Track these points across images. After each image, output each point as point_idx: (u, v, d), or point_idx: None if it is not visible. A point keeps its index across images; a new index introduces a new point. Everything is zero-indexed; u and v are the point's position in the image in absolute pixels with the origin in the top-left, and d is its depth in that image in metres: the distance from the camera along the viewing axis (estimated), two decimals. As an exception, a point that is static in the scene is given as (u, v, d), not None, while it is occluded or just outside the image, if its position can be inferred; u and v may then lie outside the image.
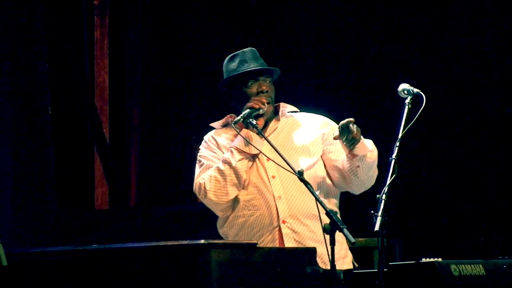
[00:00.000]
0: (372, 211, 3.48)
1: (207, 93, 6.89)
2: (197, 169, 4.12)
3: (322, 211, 3.61)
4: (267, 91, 4.09)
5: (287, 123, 4.17)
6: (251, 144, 4.00)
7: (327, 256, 3.55)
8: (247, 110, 4.02)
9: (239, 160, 4.00)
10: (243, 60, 4.12)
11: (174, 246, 3.41)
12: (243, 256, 3.39)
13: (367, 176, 4.01)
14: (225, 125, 4.23)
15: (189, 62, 7.08)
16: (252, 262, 3.41)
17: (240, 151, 4.01)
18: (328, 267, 3.56)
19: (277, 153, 3.86)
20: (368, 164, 3.97)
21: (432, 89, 6.04)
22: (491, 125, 6.19)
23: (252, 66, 4.10)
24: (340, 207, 4.11)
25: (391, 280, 3.67)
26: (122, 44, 7.15)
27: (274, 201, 4.00)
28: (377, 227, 3.45)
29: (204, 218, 5.60)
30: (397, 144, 3.64)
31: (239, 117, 4.02)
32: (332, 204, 4.05)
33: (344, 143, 3.89)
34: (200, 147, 4.21)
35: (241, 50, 4.16)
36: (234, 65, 4.14)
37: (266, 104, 4.05)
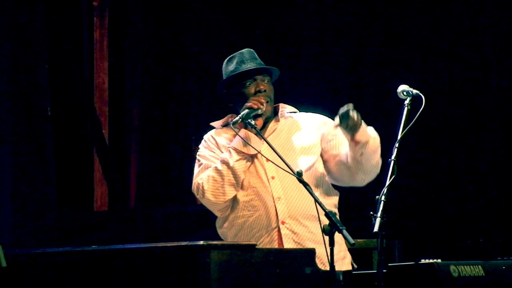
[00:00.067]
0: (371, 212, 3.48)
1: (207, 93, 6.89)
2: (196, 169, 4.13)
3: (321, 212, 3.61)
4: (265, 91, 4.09)
5: (286, 124, 4.17)
6: (250, 145, 4.00)
7: (326, 257, 3.54)
8: (246, 110, 4.02)
9: (237, 160, 4.00)
10: (240, 60, 4.12)
11: (174, 247, 3.42)
12: (243, 257, 3.40)
13: (371, 165, 3.98)
14: (225, 125, 4.23)
15: (189, 62, 7.08)
16: (251, 263, 3.41)
17: (238, 152, 4.01)
18: (327, 268, 3.56)
19: (276, 154, 3.86)
20: (371, 150, 3.94)
21: (432, 90, 6.05)
22: (491, 125, 6.18)
23: (249, 66, 4.10)
24: (339, 208, 4.11)
25: (390, 281, 3.66)
26: (122, 45, 7.15)
27: (274, 202, 4.00)
28: (376, 228, 3.45)
29: (203, 219, 5.60)
30: (397, 145, 3.64)
31: (237, 118, 4.02)
32: (331, 205, 4.05)
33: (345, 130, 3.88)
34: (200, 146, 4.21)
35: (239, 51, 4.17)
36: (232, 66, 4.14)
37: (264, 103, 4.05)
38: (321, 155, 4.11)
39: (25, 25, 6.39)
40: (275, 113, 4.19)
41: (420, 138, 6.15)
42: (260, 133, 3.99)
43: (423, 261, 3.90)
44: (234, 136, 4.09)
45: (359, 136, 3.90)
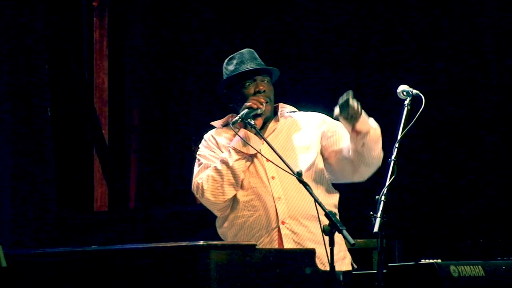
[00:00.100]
0: (371, 212, 3.48)
1: (207, 93, 6.89)
2: (196, 168, 4.13)
3: (321, 212, 3.61)
4: (264, 91, 4.09)
5: (286, 123, 4.17)
6: (249, 144, 3.99)
7: (326, 257, 3.54)
8: (245, 110, 4.02)
9: (236, 160, 4.00)
10: (240, 61, 4.12)
11: (174, 247, 3.42)
12: (242, 257, 3.40)
13: (373, 156, 3.95)
14: (225, 125, 4.23)
15: (189, 62, 7.08)
16: (251, 263, 3.41)
17: (238, 151, 4.01)
18: (327, 268, 3.56)
19: (276, 154, 3.86)
20: (372, 140, 3.92)
21: (432, 89, 6.05)
22: (491, 125, 6.18)
23: (249, 66, 4.10)
24: (339, 208, 4.11)
25: (390, 281, 3.66)
26: (122, 45, 7.15)
27: (274, 201, 4.00)
28: (376, 228, 3.45)
29: (203, 219, 5.60)
30: (396, 145, 3.64)
31: (237, 117, 4.02)
32: (331, 205, 4.05)
33: (346, 120, 3.88)
34: (200, 145, 4.21)
35: (239, 51, 4.17)
36: (232, 66, 4.14)
37: (264, 103, 4.05)
38: (322, 153, 4.10)
39: (25, 25, 6.39)
40: (274, 113, 4.19)
41: (420, 138, 6.15)
42: (259, 133, 3.99)
43: (423, 261, 3.90)
44: (234, 136, 4.09)
45: (360, 125, 3.89)
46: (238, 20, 6.90)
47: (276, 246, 3.96)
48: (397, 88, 3.86)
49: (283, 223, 3.98)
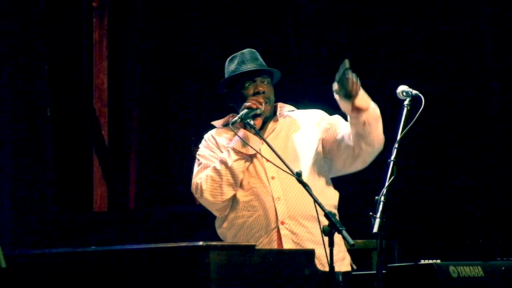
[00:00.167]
0: (370, 213, 3.48)
1: (207, 93, 6.89)
2: (196, 168, 4.13)
3: (321, 213, 3.61)
4: (263, 92, 4.09)
5: (285, 123, 4.17)
6: (248, 145, 3.99)
7: (326, 258, 3.54)
8: (245, 110, 4.02)
9: (236, 160, 4.00)
10: (241, 61, 4.12)
11: (173, 248, 3.42)
12: (242, 257, 3.40)
13: (374, 135, 3.93)
14: (226, 125, 4.23)
15: (189, 63, 7.08)
16: (251, 264, 3.41)
17: (237, 152, 4.01)
18: (327, 269, 3.56)
19: (275, 154, 3.86)
20: (373, 118, 3.90)
21: (432, 90, 6.04)
22: (491, 125, 6.18)
23: (249, 67, 4.10)
24: (339, 208, 4.11)
25: (390, 282, 3.66)
26: (121, 45, 7.15)
27: (273, 202, 4.00)
28: (375, 229, 3.45)
29: (203, 219, 5.60)
30: (396, 146, 3.64)
31: (236, 118, 4.02)
32: (331, 205, 4.05)
33: (345, 99, 3.86)
34: (200, 145, 4.21)
35: (241, 51, 4.17)
36: (233, 66, 4.14)
37: (263, 103, 4.05)
38: (324, 147, 4.09)
39: (25, 25, 6.39)
40: (274, 113, 4.19)
41: (420, 138, 6.15)
42: (259, 133, 3.99)
43: (422, 261, 3.89)
44: (234, 136, 4.09)
45: (359, 101, 3.87)
46: (238, 20, 6.90)
47: (276, 247, 3.96)
48: (396, 88, 3.86)
49: (282, 223, 3.98)
